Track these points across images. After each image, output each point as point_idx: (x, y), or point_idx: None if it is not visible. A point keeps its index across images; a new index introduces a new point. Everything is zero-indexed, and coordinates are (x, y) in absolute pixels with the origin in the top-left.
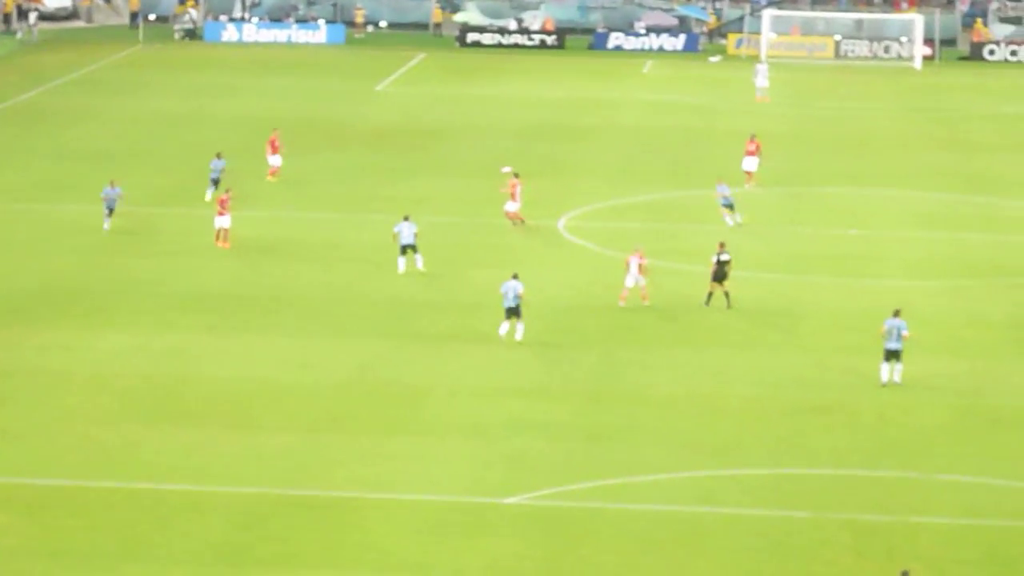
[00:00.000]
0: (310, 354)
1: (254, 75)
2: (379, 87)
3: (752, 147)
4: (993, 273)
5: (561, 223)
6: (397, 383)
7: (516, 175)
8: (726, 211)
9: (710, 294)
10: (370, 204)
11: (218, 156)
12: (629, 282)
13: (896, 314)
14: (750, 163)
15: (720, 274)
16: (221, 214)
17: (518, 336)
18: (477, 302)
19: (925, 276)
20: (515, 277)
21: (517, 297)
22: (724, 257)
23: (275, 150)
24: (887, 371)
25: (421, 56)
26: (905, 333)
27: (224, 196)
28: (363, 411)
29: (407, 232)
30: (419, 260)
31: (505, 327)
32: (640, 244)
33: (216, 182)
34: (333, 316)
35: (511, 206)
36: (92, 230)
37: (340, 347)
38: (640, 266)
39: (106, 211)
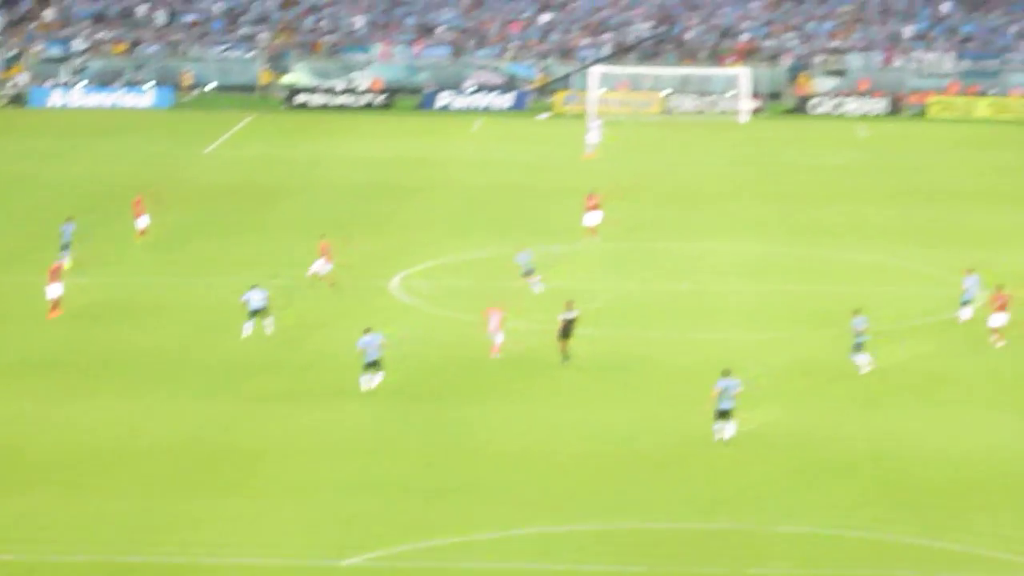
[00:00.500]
0: (142, 418)
1: (82, 139)
2: (207, 150)
3: (592, 203)
4: (822, 323)
5: (394, 282)
6: (231, 445)
7: (323, 235)
8: (528, 278)
9: (563, 352)
10: (200, 266)
11: (68, 220)
12: (496, 337)
13: (726, 374)
14: (592, 218)
15: (567, 331)
16: (53, 282)
17: (375, 383)
18: (311, 362)
19: (755, 328)
20: (368, 331)
21: (379, 348)
22: (572, 315)
23: (140, 212)
24: (719, 431)
25: (249, 118)
26: (738, 390)
27: (56, 264)
28: (196, 474)
29: (256, 298)
30: (268, 324)
31: (367, 380)
32: (500, 300)
33: (67, 246)
34: (165, 379)
35: (322, 267)
36: None
37: (173, 410)
38: (500, 320)
39: None
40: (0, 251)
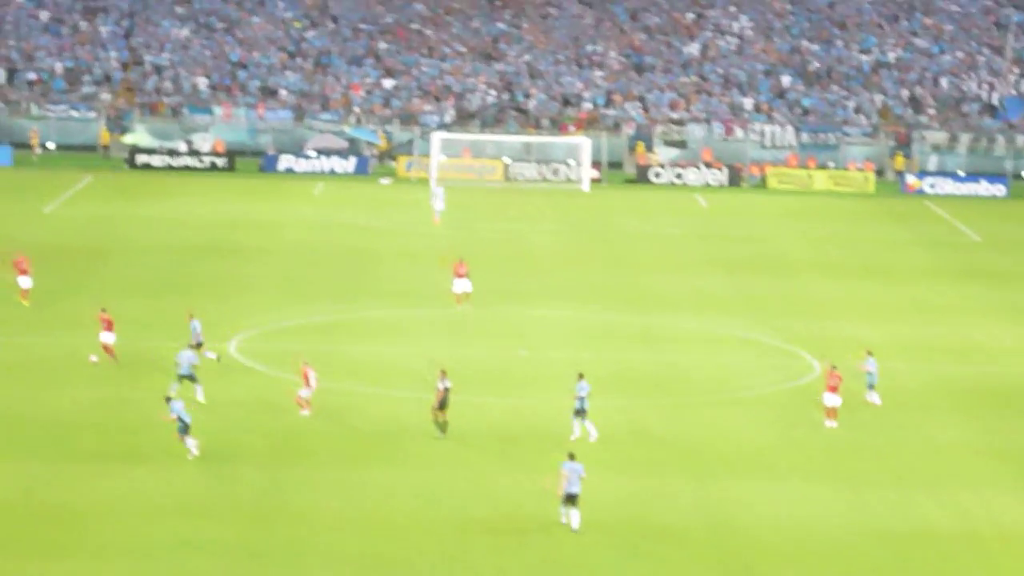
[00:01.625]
0: None
1: None
2: (47, 209)
3: (462, 270)
4: (657, 391)
5: (232, 345)
6: (60, 506)
7: (103, 309)
8: (199, 349)
9: (440, 423)
10: (31, 324)
11: None
12: (306, 393)
13: (572, 457)
14: (460, 285)
15: (444, 401)
16: None
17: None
18: (139, 423)
19: (592, 396)
20: (169, 399)
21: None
22: (447, 384)
23: (23, 271)
24: (565, 515)
25: (89, 178)
26: (583, 475)
27: None
28: (25, 535)
29: (185, 363)
30: (199, 391)
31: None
32: (305, 358)
33: None
34: None
35: (106, 337)
36: None
37: (2, 469)
38: (313, 376)
39: None
40: None
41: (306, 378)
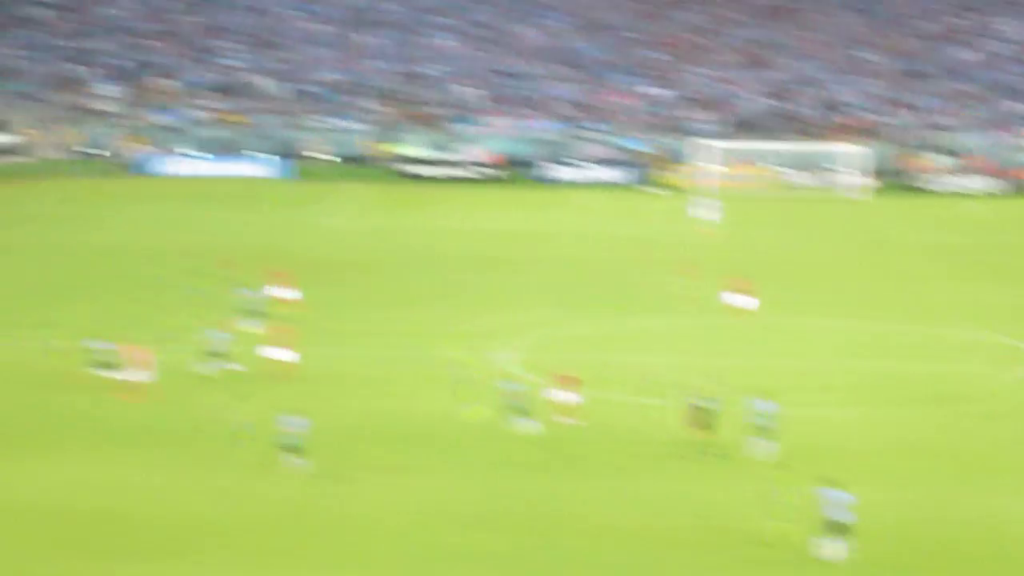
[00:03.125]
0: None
1: (197, 206)
2: (322, 220)
3: (743, 286)
4: (933, 403)
5: (501, 356)
6: (333, 515)
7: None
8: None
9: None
10: (312, 337)
11: (244, 286)
12: (569, 398)
13: (831, 484)
14: (742, 301)
15: (703, 421)
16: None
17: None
18: (415, 433)
19: (865, 404)
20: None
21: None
22: (703, 402)
23: (283, 283)
24: (826, 546)
25: (362, 189)
26: (849, 503)
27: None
28: (298, 545)
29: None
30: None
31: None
32: (561, 367)
33: (257, 312)
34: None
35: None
36: None
37: (274, 480)
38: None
39: None
40: (120, 315)
41: (566, 384)
